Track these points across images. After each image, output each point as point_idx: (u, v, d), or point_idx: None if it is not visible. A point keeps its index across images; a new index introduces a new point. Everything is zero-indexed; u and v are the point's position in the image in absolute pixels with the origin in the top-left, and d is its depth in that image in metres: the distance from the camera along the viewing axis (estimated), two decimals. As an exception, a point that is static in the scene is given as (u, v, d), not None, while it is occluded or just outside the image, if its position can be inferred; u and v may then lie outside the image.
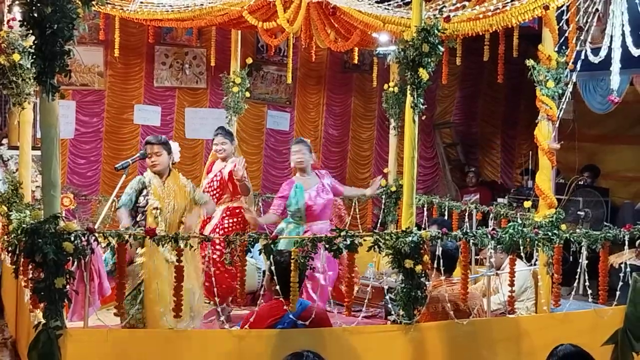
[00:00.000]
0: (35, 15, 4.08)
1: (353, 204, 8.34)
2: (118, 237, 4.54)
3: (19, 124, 6.56)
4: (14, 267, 4.87)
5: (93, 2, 4.28)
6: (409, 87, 4.92)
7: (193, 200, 5.68)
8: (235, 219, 6.65)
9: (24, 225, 4.38)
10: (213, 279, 5.42)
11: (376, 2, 6.74)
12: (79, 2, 4.21)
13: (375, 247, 4.90)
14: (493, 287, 5.74)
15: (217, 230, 6.53)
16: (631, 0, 5.81)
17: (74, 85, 8.96)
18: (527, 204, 6.30)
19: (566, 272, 5.61)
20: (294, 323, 4.76)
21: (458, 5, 6.09)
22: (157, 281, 5.21)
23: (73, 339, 4.34)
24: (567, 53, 5.83)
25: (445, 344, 5.02)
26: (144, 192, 5.58)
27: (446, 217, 7.72)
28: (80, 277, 4.51)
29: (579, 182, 8.63)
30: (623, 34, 5.76)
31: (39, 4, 4.06)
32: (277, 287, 4.71)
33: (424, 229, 5.37)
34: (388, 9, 6.68)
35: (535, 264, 5.99)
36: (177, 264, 4.66)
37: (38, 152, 6.71)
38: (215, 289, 5.00)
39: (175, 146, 5.82)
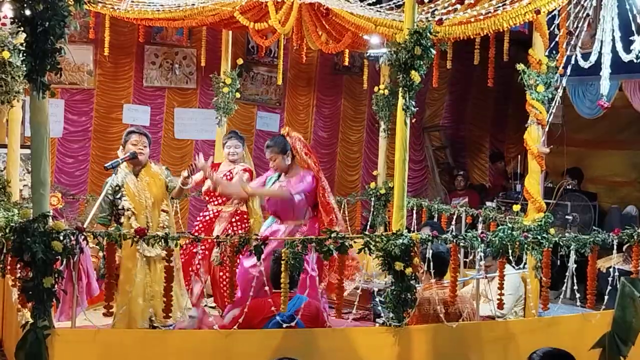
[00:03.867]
0: (27, 12, 4.06)
1: (342, 206, 8.34)
2: (107, 237, 4.53)
3: (7, 122, 6.52)
4: (1, 266, 4.84)
5: (85, 0, 4.26)
6: (400, 89, 4.94)
7: (166, 185, 5.77)
8: (246, 224, 6.62)
9: (12, 224, 4.36)
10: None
11: (368, 4, 6.75)
12: (71, 1, 4.19)
13: (366, 249, 4.91)
14: (482, 293, 5.75)
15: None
16: (622, 6, 5.84)
17: (63, 83, 8.89)
18: (516, 207, 6.32)
19: (554, 276, 5.63)
20: (285, 322, 4.77)
21: (450, 8, 6.11)
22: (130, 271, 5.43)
23: (61, 339, 4.33)
24: (557, 58, 5.86)
25: (434, 347, 5.03)
26: (119, 194, 5.63)
27: (435, 220, 7.73)
28: (68, 277, 4.48)
29: (567, 187, 8.68)
30: (613, 40, 5.79)
31: (30, 2, 4.04)
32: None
33: (413, 231, 5.38)
34: (380, 12, 6.69)
35: (524, 268, 6.00)
36: (167, 264, 4.65)
37: (26, 151, 6.71)
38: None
39: None
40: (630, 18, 5.77)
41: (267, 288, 5.07)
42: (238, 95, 8.23)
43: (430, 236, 5.04)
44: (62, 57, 4.30)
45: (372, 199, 8.43)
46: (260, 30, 7.05)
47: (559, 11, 5.93)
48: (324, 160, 10.66)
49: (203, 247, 6.28)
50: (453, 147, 11.71)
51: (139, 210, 5.62)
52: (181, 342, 4.65)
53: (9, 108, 6.20)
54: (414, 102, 4.95)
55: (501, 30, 5.78)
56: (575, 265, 5.56)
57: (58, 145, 9.10)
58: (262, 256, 4.74)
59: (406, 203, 5.06)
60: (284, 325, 4.77)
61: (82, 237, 4.45)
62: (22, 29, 4.15)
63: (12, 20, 4.23)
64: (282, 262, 4.72)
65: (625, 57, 5.78)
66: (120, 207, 5.69)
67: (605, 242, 5.62)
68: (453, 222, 7.55)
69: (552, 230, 5.65)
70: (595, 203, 8.92)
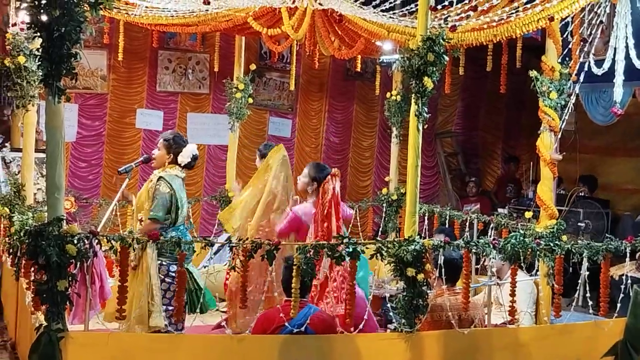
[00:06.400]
0: (44, 18, 4.10)
1: (354, 212, 8.34)
2: (121, 240, 4.55)
3: (22, 126, 6.58)
4: (16, 269, 4.87)
5: (100, 6, 4.29)
6: (413, 95, 4.95)
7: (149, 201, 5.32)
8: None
9: (26, 227, 4.39)
10: None
11: (381, 10, 6.76)
12: (87, 6, 4.23)
13: (378, 254, 4.91)
14: (494, 299, 5.74)
15: None
16: (635, 13, 5.83)
17: (77, 88, 8.95)
18: (528, 214, 6.31)
19: (566, 283, 5.62)
20: (298, 329, 4.78)
21: (463, 15, 6.11)
22: None
23: (74, 342, 4.35)
24: (570, 64, 5.85)
25: (446, 353, 5.03)
26: None
27: (447, 227, 7.73)
28: (82, 280, 4.51)
29: (580, 194, 8.64)
30: (627, 47, 5.78)
31: (47, 7, 4.08)
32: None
33: (425, 238, 5.38)
34: (393, 18, 6.70)
35: (536, 275, 5.98)
36: (179, 268, 4.67)
37: (40, 155, 6.77)
38: None
39: (188, 148, 5.57)
40: (644, 25, 5.77)
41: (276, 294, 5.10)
42: (250, 100, 8.26)
43: (442, 242, 5.03)
44: (77, 62, 4.33)
45: (384, 205, 8.42)
46: (273, 36, 7.07)
47: (572, 18, 5.92)
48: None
49: None
50: (465, 153, 11.70)
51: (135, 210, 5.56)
52: (193, 346, 4.66)
53: (24, 112, 6.26)
54: (426, 108, 4.96)
55: (514, 37, 5.78)
56: (587, 273, 5.54)
57: (72, 149, 9.16)
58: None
59: (418, 209, 5.06)
60: (295, 331, 4.78)
61: (96, 240, 4.48)
62: (38, 34, 4.19)
63: (28, 25, 4.27)
64: (294, 267, 4.74)
65: (639, 64, 5.76)
66: None
67: (618, 249, 5.59)
68: (466, 229, 7.54)
69: (564, 237, 5.63)
70: (607, 210, 8.87)
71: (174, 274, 5.08)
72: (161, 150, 5.51)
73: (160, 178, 5.35)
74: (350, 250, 4.80)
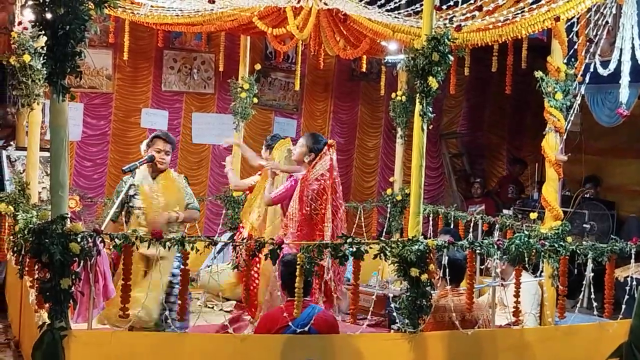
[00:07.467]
0: (48, 16, 4.11)
1: (358, 212, 8.35)
2: (124, 239, 4.55)
3: (27, 124, 6.59)
4: (20, 267, 4.88)
5: (105, 5, 4.30)
6: (418, 95, 4.94)
7: (186, 203, 5.64)
8: None
9: (30, 226, 4.40)
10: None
11: (386, 10, 6.76)
12: (92, 5, 4.23)
13: (381, 254, 4.90)
14: (498, 300, 5.72)
15: None
16: (641, 14, 5.82)
17: (82, 87, 8.97)
18: (533, 215, 6.29)
19: (570, 285, 5.60)
20: (302, 329, 4.77)
21: (468, 15, 6.10)
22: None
23: (77, 340, 4.36)
24: (576, 65, 5.83)
25: (449, 354, 5.02)
26: (132, 191, 5.57)
27: (452, 227, 7.71)
28: (85, 279, 4.51)
29: (585, 195, 8.61)
30: (633, 48, 5.76)
31: (51, 5, 4.09)
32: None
33: (429, 239, 5.36)
34: (398, 18, 6.69)
35: (540, 276, 5.97)
36: (183, 267, 4.67)
37: (45, 154, 6.79)
38: None
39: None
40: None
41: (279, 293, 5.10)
42: (255, 100, 8.26)
43: (446, 243, 5.02)
44: (82, 61, 4.33)
45: (389, 205, 8.42)
46: (278, 35, 7.07)
47: (578, 19, 5.91)
48: (340, 166, 10.65)
49: None
50: (470, 154, 11.68)
51: (148, 211, 5.54)
52: (197, 345, 4.66)
53: (29, 111, 6.26)
54: (431, 109, 4.95)
55: (519, 37, 5.77)
56: (592, 274, 5.52)
57: (77, 148, 9.18)
58: None
59: (422, 210, 5.05)
60: (298, 331, 4.78)
61: (100, 239, 4.48)
62: (43, 32, 4.19)
63: (33, 23, 4.27)
64: (297, 266, 4.72)
65: (645, 65, 5.75)
66: (131, 205, 5.60)
67: (623, 251, 5.59)
68: (471, 230, 7.52)
69: (569, 239, 5.62)
70: (613, 212, 8.85)
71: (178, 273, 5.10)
72: (169, 156, 5.70)
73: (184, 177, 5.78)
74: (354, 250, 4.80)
